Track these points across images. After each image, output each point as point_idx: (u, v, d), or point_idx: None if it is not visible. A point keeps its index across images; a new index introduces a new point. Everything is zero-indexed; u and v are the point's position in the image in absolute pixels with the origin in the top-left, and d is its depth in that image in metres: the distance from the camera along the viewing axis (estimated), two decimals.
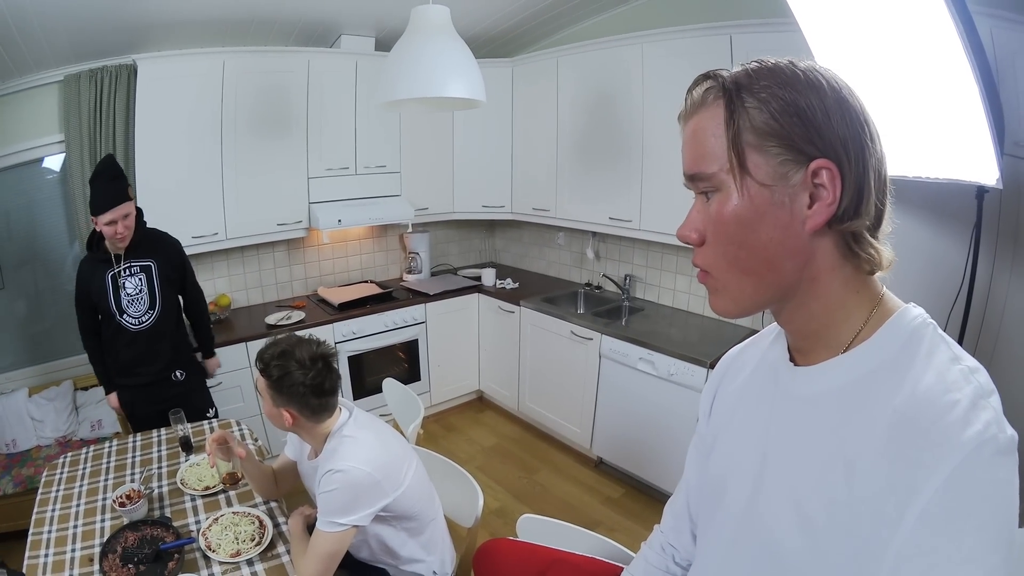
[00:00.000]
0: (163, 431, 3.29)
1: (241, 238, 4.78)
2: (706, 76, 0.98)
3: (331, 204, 5.12)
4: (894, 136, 2.38)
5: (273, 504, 2.60)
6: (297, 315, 4.93)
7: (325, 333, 4.86)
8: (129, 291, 3.56)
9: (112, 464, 2.95)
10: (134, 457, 3.01)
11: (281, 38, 4.80)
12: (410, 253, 6.09)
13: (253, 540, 2.33)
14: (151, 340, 3.70)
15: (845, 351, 0.97)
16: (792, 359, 1.08)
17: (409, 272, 6.08)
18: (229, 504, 2.59)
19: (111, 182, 3.42)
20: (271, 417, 2.34)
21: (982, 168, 2.34)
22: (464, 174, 5.88)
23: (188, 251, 4.37)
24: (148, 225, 3.67)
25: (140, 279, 3.62)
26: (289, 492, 2.75)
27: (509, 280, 5.95)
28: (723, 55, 3.84)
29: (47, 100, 4.27)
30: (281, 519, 2.49)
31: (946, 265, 2.84)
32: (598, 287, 5.59)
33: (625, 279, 5.28)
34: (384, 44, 5.13)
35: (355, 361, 5.14)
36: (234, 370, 4.49)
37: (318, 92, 4.89)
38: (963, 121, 2.28)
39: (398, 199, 5.52)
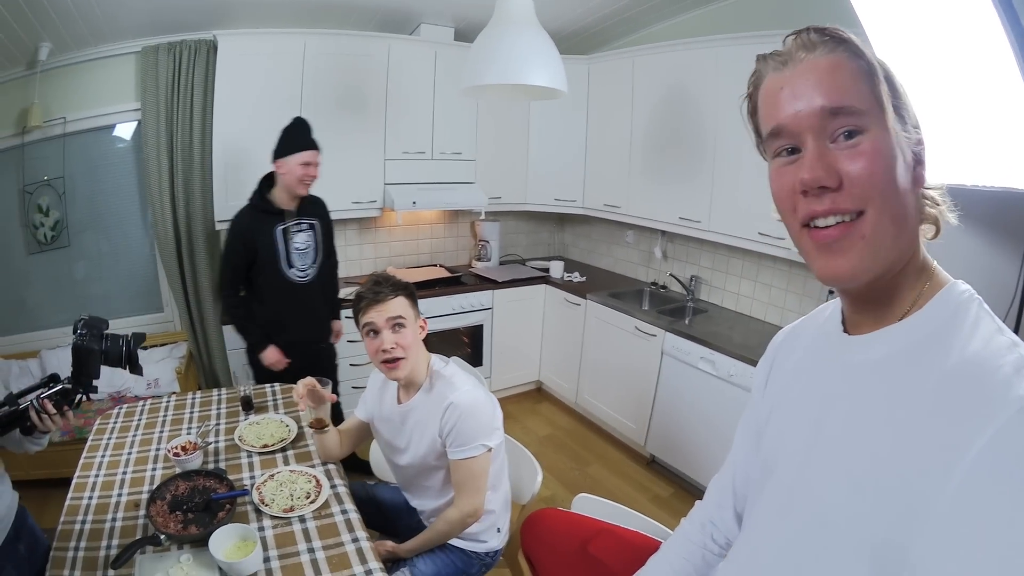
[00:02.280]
0: (224, 390, 3.35)
1: None
2: (816, 30, 0.99)
3: (406, 186, 5.18)
4: (950, 143, 2.36)
5: (332, 466, 2.64)
6: None
7: None
8: (299, 245, 3.82)
9: (169, 418, 3.02)
10: (192, 413, 3.08)
11: (361, 23, 4.89)
12: (480, 241, 6.13)
13: (308, 498, 2.37)
14: (312, 294, 3.96)
15: (899, 321, 0.99)
16: (845, 331, 1.10)
17: (478, 259, 6.12)
18: (287, 463, 2.65)
19: (310, 133, 3.73)
20: (414, 340, 2.44)
21: None
22: (538, 166, 5.90)
23: None
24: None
25: (309, 235, 3.88)
26: (346, 455, 2.79)
27: (576, 274, 5.96)
28: None
29: (123, 70, 4.42)
30: (338, 480, 2.54)
31: (997, 281, 2.77)
32: (663, 286, 5.55)
33: (691, 280, 5.24)
34: (463, 35, 5.20)
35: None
36: None
37: (397, 77, 4.95)
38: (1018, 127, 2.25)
39: (472, 186, 5.57)
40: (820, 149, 0.94)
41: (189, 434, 2.77)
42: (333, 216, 4.91)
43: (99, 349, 2.05)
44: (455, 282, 5.45)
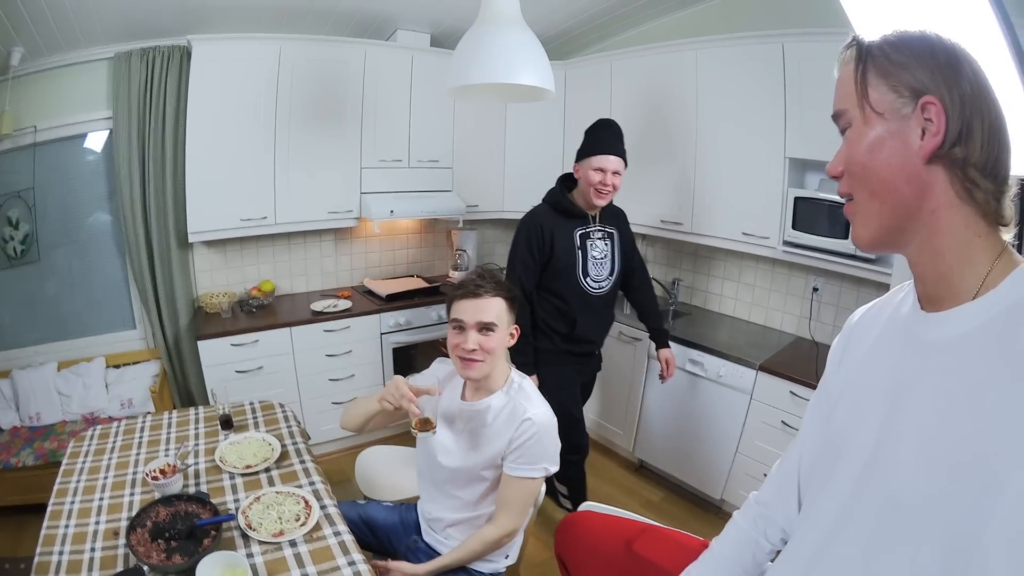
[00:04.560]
0: (201, 409, 3.22)
1: (291, 224, 4.78)
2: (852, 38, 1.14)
3: (383, 195, 5.11)
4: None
5: (319, 485, 2.54)
6: (344, 303, 4.94)
7: (371, 323, 4.91)
8: (596, 255, 3.57)
9: (145, 439, 2.89)
10: (169, 433, 2.95)
11: (338, 28, 4.81)
12: (457, 250, 6.05)
13: (298, 520, 2.26)
14: (604, 307, 3.73)
15: (974, 299, 1.00)
16: (922, 308, 1.12)
17: (455, 269, 6.03)
18: (271, 484, 2.54)
19: (615, 137, 3.47)
20: (500, 347, 2.35)
21: None
22: (515, 173, 5.84)
23: (235, 234, 4.48)
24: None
25: (607, 244, 3.63)
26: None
27: None
28: (776, 62, 3.86)
29: (95, 76, 4.28)
30: (328, 500, 2.44)
31: None
32: None
33: (673, 283, 5.20)
34: (439, 41, 5.20)
35: (401, 353, 5.13)
36: (277, 355, 4.51)
37: (373, 84, 4.88)
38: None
39: (449, 194, 5.51)
40: (841, 145, 1.14)
41: (167, 456, 2.64)
42: (309, 227, 4.86)
43: None
44: (433, 292, 5.35)
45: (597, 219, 3.57)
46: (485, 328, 2.29)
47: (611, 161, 3.37)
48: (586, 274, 3.52)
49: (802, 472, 1.44)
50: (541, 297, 3.60)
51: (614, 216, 3.70)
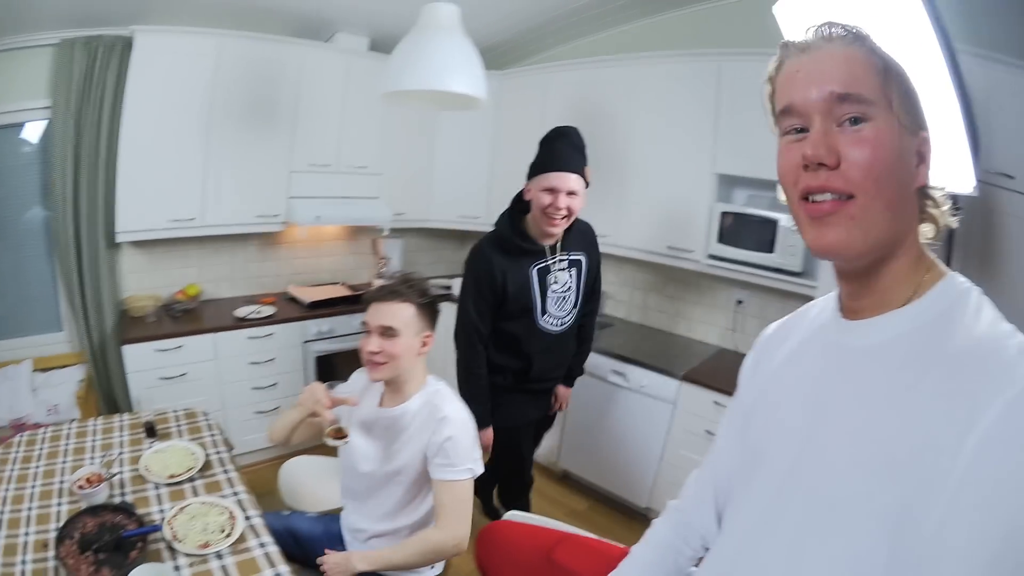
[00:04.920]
0: (125, 416, 3.15)
1: (218, 226, 4.69)
2: (841, 25, 1.05)
3: (310, 200, 5.05)
4: None
5: (243, 496, 2.51)
6: (268, 310, 4.85)
7: (295, 331, 4.84)
8: (557, 287, 3.16)
9: (71, 447, 2.82)
10: (94, 441, 2.89)
11: (278, 27, 4.74)
12: (382, 258, 6.04)
13: (223, 531, 2.24)
14: (564, 344, 3.37)
15: (902, 307, 1.04)
16: (844, 317, 1.14)
17: (380, 277, 5.95)
18: (196, 493, 2.50)
19: (572, 149, 3.01)
20: (403, 352, 2.34)
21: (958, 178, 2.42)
22: (443, 183, 5.85)
23: (163, 235, 4.37)
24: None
25: (571, 274, 3.22)
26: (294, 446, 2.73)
27: None
28: (711, 80, 3.98)
29: (38, 63, 4.11)
30: (252, 511, 2.41)
31: None
32: None
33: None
34: (378, 46, 5.15)
35: (324, 361, 5.06)
36: (200, 361, 4.41)
37: (308, 86, 4.84)
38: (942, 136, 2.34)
39: (376, 201, 5.48)
40: (825, 128, 1.01)
41: (93, 464, 2.58)
42: (236, 230, 4.76)
43: None
44: (356, 300, 5.25)
45: (559, 247, 3.15)
46: (387, 332, 2.31)
47: (564, 179, 2.90)
48: (545, 311, 3.16)
49: (720, 481, 1.46)
50: (495, 338, 3.22)
51: (582, 237, 3.27)
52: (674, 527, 1.58)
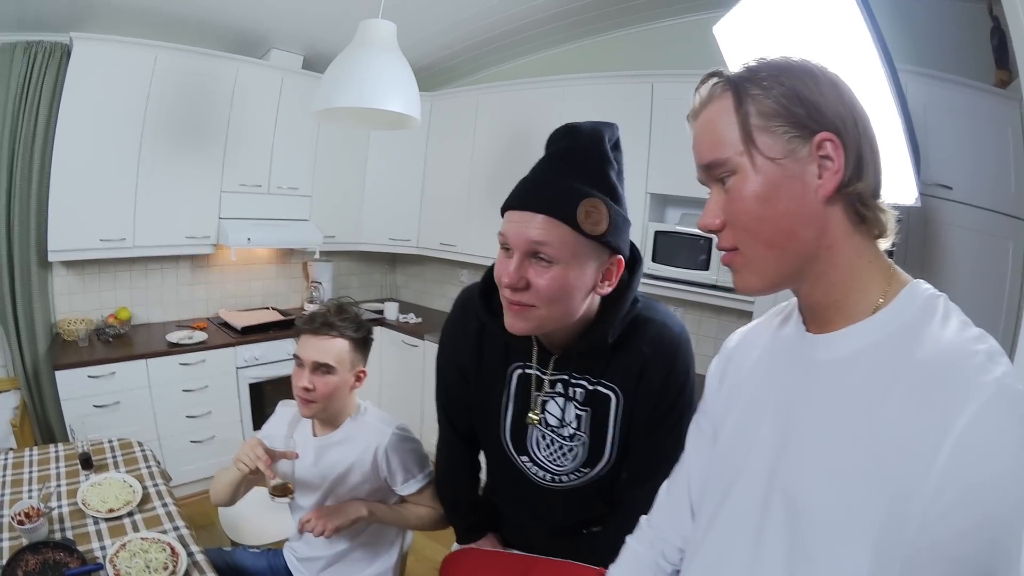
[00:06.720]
0: (61, 446, 3.07)
1: (149, 247, 4.63)
2: (711, 75, 1.10)
3: (241, 222, 5.04)
4: None
5: (184, 531, 2.48)
6: (199, 335, 4.80)
7: (228, 356, 4.80)
8: (552, 422, 1.80)
9: (8, 478, 2.74)
10: (31, 472, 2.81)
11: (214, 41, 4.74)
12: (313, 282, 6.03)
13: (166, 569, 2.21)
14: (568, 505, 2.03)
15: (868, 317, 1.05)
16: (808, 330, 1.15)
17: (310, 302, 5.97)
18: (136, 529, 2.46)
19: (570, 164, 1.76)
20: (336, 389, 2.30)
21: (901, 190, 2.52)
22: (373, 205, 5.92)
23: (94, 255, 4.30)
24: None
25: (578, 415, 1.79)
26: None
27: (411, 315, 5.97)
28: (645, 101, 4.11)
29: None
30: (194, 547, 2.38)
31: None
32: None
33: None
34: (311, 64, 5.21)
35: (256, 389, 5.02)
36: (133, 388, 4.32)
37: (242, 103, 4.85)
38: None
39: (307, 224, 5.50)
40: (715, 195, 1.09)
41: (31, 498, 2.52)
42: (166, 251, 4.74)
43: None
44: (288, 325, 5.23)
45: (563, 360, 1.78)
46: (321, 368, 2.24)
47: (523, 226, 1.68)
48: (522, 452, 1.91)
49: (693, 492, 1.45)
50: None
51: (630, 358, 1.77)
52: (650, 544, 1.55)
